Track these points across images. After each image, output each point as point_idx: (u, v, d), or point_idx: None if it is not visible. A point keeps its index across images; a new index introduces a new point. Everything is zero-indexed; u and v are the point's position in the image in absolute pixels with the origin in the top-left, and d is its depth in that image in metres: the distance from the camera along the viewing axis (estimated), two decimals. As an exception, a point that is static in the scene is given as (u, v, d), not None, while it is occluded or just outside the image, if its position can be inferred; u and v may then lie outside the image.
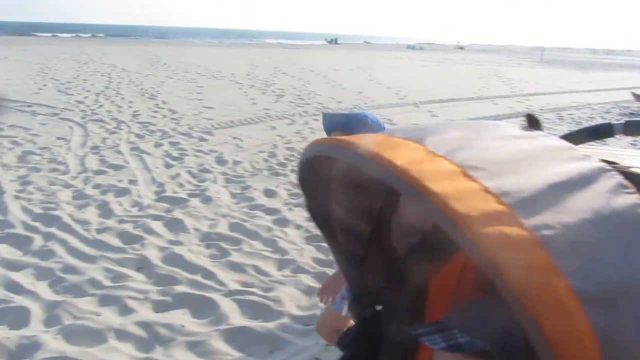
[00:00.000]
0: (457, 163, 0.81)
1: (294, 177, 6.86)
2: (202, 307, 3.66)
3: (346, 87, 16.93)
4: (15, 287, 3.87)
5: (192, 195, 6.02)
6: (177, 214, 5.38)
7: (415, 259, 1.38)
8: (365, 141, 0.87)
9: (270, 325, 3.41)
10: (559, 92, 18.65)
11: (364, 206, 1.27)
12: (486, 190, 0.78)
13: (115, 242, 4.72)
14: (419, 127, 0.96)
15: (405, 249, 1.37)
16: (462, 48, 71.71)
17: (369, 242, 1.31)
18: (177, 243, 4.71)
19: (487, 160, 0.85)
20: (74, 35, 61.94)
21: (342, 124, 2.42)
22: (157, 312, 3.62)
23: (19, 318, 3.49)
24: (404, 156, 0.81)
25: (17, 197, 5.77)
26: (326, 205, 1.20)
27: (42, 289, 3.89)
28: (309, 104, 13.41)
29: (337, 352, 2.91)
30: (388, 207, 1.29)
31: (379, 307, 1.37)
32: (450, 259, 1.42)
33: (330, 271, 4.22)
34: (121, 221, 5.19)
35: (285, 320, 3.49)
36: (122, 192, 6.03)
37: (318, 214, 1.21)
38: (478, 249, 0.70)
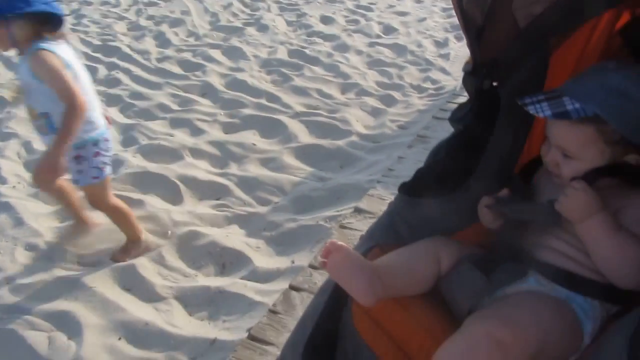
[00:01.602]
0: None
1: (350, 3, 6.51)
2: (270, 128, 3.69)
3: None
4: (89, 112, 3.99)
5: (247, 24, 5.83)
6: (235, 42, 5.27)
7: (536, 30, 1.26)
8: None
9: (340, 142, 3.43)
10: None
11: None
12: None
13: (177, 69, 4.71)
14: None
15: (526, 20, 1.24)
16: None
17: (489, 9, 1.19)
18: (238, 70, 4.66)
19: None
20: None
21: None
22: (227, 133, 3.69)
23: (98, 139, 3.63)
24: None
25: (73, 30, 5.73)
26: None
27: (114, 113, 3.99)
28: None
29: (408, 165, 2.93)
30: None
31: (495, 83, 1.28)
32: (573, 32, 1.30)
33: (395, 94, 4.14)
34: (179, 50, 5.14)
35: (354, 138, 3.50)
36: (176, 23, 5.90)
37: None
38: None
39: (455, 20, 5.92)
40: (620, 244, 1.04)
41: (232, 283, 2.28)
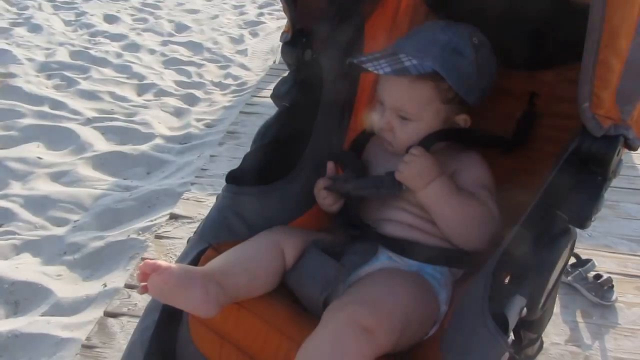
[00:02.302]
0: None
1: (135, 1, 6.09)
2: (58, 138, 3.21)
3: None
4: None
5: (14, 24, 5.07)
6: (1, 44, 4.53)
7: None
8: None
9: (143, 147, 3.12)
10: None
11: None
12: None
13: None
14: None
15: None
16: None
17: None
18: (10, 75, 3.99)
19: None
20: None
21: None
22: (3, 148, 3.11)
23: None
24: None
25: None
26: None
27: None
28: None
29: (221, 163, 2.78)
30: None
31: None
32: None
33: (197, 92, 3.95)
34: None
35: (158, 141, 3.22)
36: None
37: None
38: None
39: (248, 17, 5.93)
40: (463, 206, 1.04)
41: (30, 323, 1.88)
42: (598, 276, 1.94)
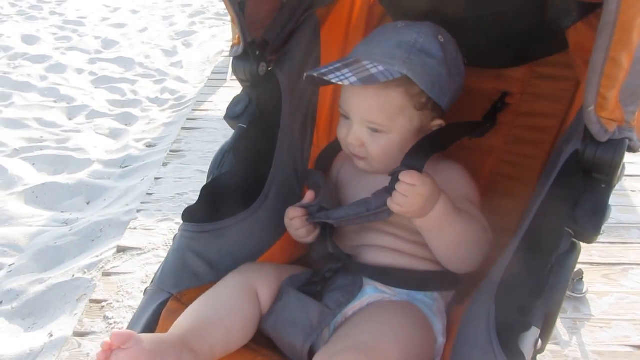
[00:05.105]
0: None
1: (56, 19, 5.76)
2: (-18, 174, 2.95)
3: None
4: None
5: None
6: None
7: (298, 2, 1.10)
8: None
9: (80, 175, 2.90)
10: None
11: None
12: None
13: None
14: None
15: None
16: None
17: None
18: None
19: None
20: None
21: None
22: None
23: None
24: None
25: None
26: None
27: None
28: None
29: (168, 186, 2.60)
30: None
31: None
32: (335, 4, 1.19)
33: (133, 110, 3.74)
34: None
35: (96, 167, 3.00)
36: None
37: None
38: None
39: (179, 27, 5.71)
40: (464, 228, 0.93)
41: (-34, 389, 1.68)
42: (567, 269, 1.92)
